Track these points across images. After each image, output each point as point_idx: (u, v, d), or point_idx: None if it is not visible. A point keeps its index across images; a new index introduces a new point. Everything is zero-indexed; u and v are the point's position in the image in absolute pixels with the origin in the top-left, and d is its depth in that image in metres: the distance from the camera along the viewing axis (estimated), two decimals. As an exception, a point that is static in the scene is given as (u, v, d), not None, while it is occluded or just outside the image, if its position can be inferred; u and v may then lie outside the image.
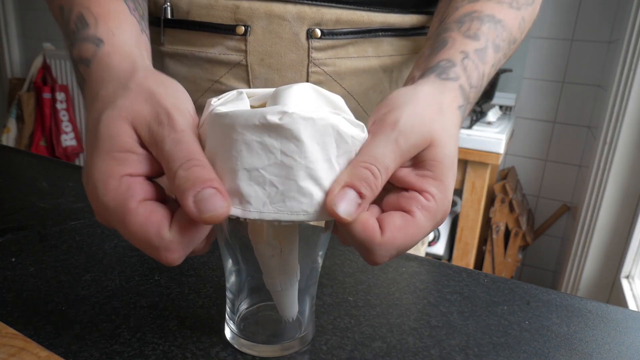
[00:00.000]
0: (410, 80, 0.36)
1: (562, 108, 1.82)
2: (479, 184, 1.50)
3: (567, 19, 1.74)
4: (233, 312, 0.33)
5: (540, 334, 0.37)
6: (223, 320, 0.36)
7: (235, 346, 0.33)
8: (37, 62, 2.63)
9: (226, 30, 0.48)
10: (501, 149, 1.43)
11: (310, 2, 0.47)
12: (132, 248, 0.46)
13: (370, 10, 0.49)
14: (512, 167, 1.92)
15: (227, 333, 0.34)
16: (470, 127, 1.48)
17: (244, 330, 0.33)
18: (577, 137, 1.82)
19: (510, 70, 1.71)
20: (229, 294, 0.33)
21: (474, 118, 1.55)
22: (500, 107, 1.85)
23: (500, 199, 1.67)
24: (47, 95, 2.59)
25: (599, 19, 1.69)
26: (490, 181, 1.63)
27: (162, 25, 0.51)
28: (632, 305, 1.26)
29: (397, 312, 0.39)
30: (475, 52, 0.37)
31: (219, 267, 0.44)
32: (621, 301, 1.33)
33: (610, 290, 1.50)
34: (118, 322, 0.35)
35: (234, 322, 0.33)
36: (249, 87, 0.52)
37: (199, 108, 0.55)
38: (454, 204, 1.73)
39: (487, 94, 1.69)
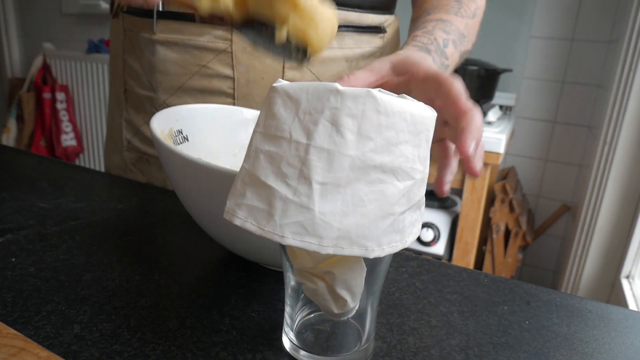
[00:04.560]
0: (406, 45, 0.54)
1: (562, 108, 1.82)
2: (479, 183, 1.50)
3: (567, 19, 1.74)
4: (292, 320, 0.33)
5: (540, 334, 0.37)
6: (222, 319, 0.36)
7: (293, 355, 0.32)
8: (37, 62, 2.63)
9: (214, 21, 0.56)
10: (501, 149, 1.43)
11: None
12: (132, 248, 0.46)
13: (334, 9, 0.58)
14: (512, 167, 1.92)
15: (286, 343, 0.33)
16: (470, 127, 1.48)
17: (303, 340, 0.32)
18: (577, 137, 1.82)
19: (510, 70, 1.71)
20: (287, 301, 0.32)
21: (474, 118, 1.55)
22: (500, 107, 1.85)
23: (500, 199, 1.67)
24: (47, 95, 2.59)
25: (599, 19, 1.69)
26: (490, 181, 1.62)
27: (154, 17, 0.58)
28: (632, 305, 1.26)
29: (397, 312, 0.39)
30: (422, 33, 0.53)
31: (218, 266, 0.44)
32: (621, 301, 1.33)
33: (610, 290, 1.50)
34: (118, 322, 0.35)
35: (293, 332, 0.33)
36: (233, 72, 0.59)
37: (187, 90, 0.59)
38: (453, 204, 1.73)
39: (487, 94, 1.68)
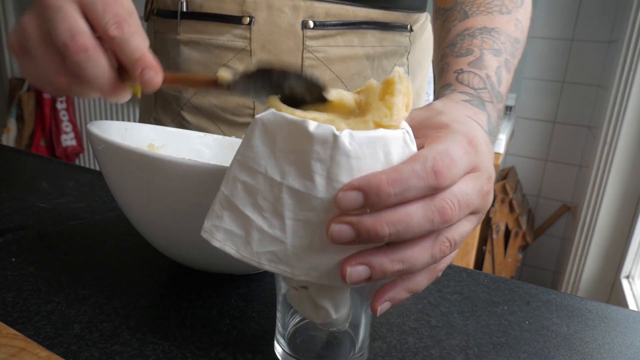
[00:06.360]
0: (448, 86, 0.40)
1: (562, 108, 1.82)
2: (479, 184, 1.50)
3: (567, 19, 1.74)
4: (284, 327, 0.32)
5: (540, 334, 0.37)
6: (222, 319, 0.36)
7: None
8: (37, 62, 2.63)
9: (233, 20, 0.57)
10: (501, 149, 1.43)
11: None
12: (133, 248, 0.46)
13: (354, 5, 0.57)
14: (512, 167, 1.92)
15: (277, 349, 0.33)
16: (470, 127, 1.48)
17: (294, 347, 0.32)
18: (577, 137, 1.82)
19: (510, 70, 1.72)
20: (278, 307, 0.32)
21: (474, 118, 1.55)
22: (500, 107, 1.85)
23: (500, 199, 1.67)
24: (47, 95, 2.59)
25: (599, 19, 1.69)
26: (490, 181, 1.62)
27: (178, 17, 0.60)
28: (632, 305, 1.26)
29: (397, 312, 0.39)
30: (469, 65, 0.41)
31: (219, 267, 0.44)
32: (621, 301, 1.33)
33: (610, 290, 1.50)
34: (118, 322, 0.35)
35: (284, 339, 0.32)
36: None
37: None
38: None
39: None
